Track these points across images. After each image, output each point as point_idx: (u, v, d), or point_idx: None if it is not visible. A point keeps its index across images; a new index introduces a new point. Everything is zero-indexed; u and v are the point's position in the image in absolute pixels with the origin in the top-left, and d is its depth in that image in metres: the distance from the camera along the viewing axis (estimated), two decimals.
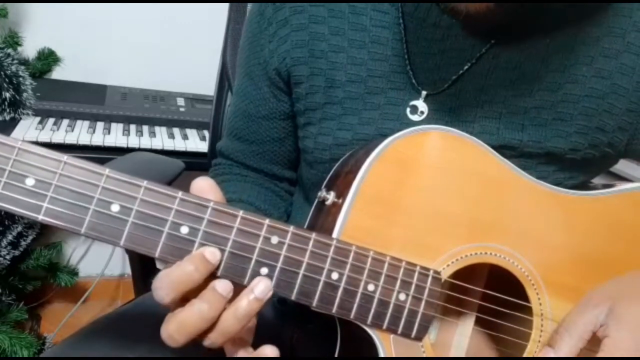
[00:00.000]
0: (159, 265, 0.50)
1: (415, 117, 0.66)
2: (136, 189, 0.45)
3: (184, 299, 0.47)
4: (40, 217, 0.43)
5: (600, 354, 0.51)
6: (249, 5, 0.75)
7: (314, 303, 0.51)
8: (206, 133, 1.53)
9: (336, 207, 0.56)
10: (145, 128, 1.50)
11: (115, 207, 0.45)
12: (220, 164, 0.85)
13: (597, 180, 0.74)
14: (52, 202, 0.44)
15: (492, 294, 0.61)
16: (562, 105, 0.64)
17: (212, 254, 0.47)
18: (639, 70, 0.62)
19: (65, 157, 0.44)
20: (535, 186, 0.59)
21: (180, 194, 0.46)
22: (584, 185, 0.71)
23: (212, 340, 0.48)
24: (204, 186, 0.49)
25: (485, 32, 0.63)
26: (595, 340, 0.54)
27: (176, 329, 0.46)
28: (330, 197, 0.57)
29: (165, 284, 0.46)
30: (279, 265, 0.49)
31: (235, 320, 0.47)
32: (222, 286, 0.47)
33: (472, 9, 0.54)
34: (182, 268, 0.46)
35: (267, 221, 0.49)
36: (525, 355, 0.59)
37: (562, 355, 0.53)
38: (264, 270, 0.49)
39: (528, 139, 0.64)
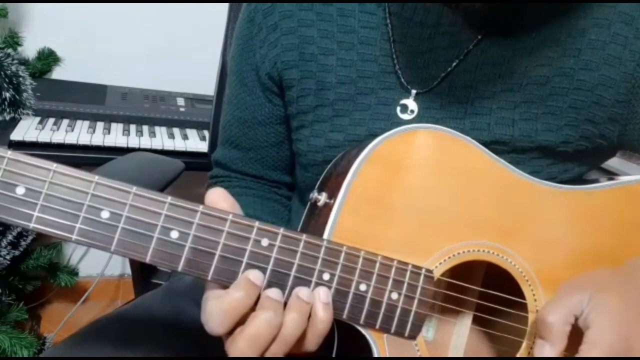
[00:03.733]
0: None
1: (405, 116, 0.66)
2: (125, 195, 0.46)
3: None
4: (32, 226, 0.44)
5: (583, 346, 0.50)
6: (244, 6, 0.75)
7: None
8: (206, 133, 1.53)
9: (327, 208, 0.56)
10: (145, 128, 1.51)
11: (105, 214, 0.45)
12: (218, 176, 0.85)
13: (593, 176, 0.74)
14: (42, 211, 0.44)
15: (488, 292, 0.61)
16: (551, 99, 0.64)
17: (255, 276, 0.48)
18: (625, 60, 0.62)
19: (54, 166, 0.44)
20: (527, 182, 0.59)
21: (169, 199, 0.47)
22: (580, 179, 0.71)
23: (274, 352, 0.49)
24: (217, 199, 0.50)
25: (471, 28, 0.63)
26: (577, 332, 0.53)
27: (248, 345, 0.47)
28: (322, 198, 0.58)
29: (218, 315, 0.47)
30: (270, 267, 0.50)
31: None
32: (275, 292, 0.49)
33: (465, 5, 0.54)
34: (233, 296, 0.47)
35: (256, 224, 0.49)
36: (521, 351, 0.59)
37: (557, 345, 0.51)
38: None
39: (519, 134, 0.64)
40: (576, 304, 0.52)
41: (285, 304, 0.50)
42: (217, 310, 0.47)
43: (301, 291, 0.50)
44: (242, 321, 0.48)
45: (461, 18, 0.63)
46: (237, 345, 0.47)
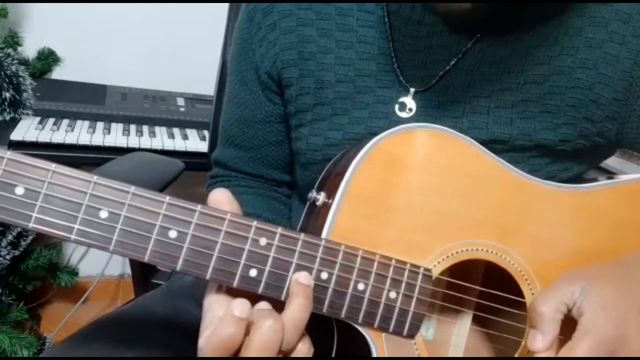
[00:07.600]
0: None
1: (403, 115, 0.67)
2: (124, 195, 0.46)
3: None
4: (31, 226, 0.44)
5: (576, 333, 0.51)
6: (243, 6, 0.76)
7: None
8: (206, 133, 1.54)
9: (326, 208, 0.56)
10: (145, 128, 1.51)
11: (103, 214, 0.45)
12: (218, 176, 0.85)
13: (593, 175, 0.74)
14: (41, 211, 0.44)
15: (487, 292, 0.61)
16: (549, 98, 0.64)
17: (241, 310, 0.46)
18: (623, 59, 0.62)
19: (53, 166, 0.45)
20: (526, 181, 0.59)
21: (167, 199, 0.47)
22: (580, 177, 0.71)
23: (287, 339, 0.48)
24: (220, 199, 0.50)
25: (469, 28, 0.63)
26: (571, 324, 0.53)
27: (263, 353, 0.46)
28: (321, 197, 0.58)
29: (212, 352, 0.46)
30: (268, 267, 0.50)
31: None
32: (263, 304, 0.48)
33: (453, 9, 0.54)
34: (223, 333, 0.46)
35: (255, 223, 0.49)
36: (520, 351, 0.59)
37: (549, 334, 0.51)
38: (253, 272, 0.49)
39: (517, 133, 0.64)
40: (568, 294, 0.53)
41: (281, 306, 0.49)
42: (208, 348, 0.46)
43: (300, 276, 0.49)
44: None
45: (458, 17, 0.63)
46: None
